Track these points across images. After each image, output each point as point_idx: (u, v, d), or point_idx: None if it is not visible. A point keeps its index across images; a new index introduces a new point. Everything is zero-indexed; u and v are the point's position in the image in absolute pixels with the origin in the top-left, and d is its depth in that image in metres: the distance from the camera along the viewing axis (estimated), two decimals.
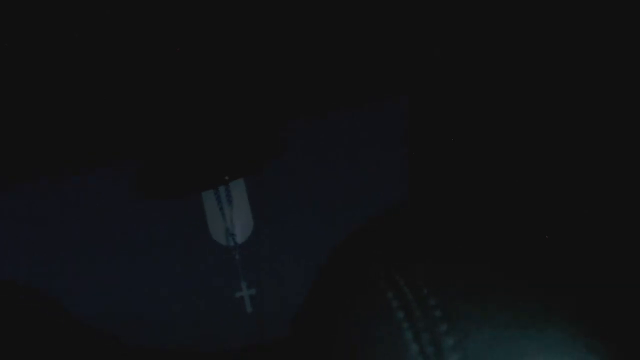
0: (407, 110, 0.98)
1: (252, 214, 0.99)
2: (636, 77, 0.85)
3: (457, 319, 0.49)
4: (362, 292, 0.55)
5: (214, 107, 0.98)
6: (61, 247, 0.97)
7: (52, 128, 0.97)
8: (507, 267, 0.55)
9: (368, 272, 0.56)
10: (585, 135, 0.86)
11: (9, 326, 0.90)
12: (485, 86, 0.93)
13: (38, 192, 0.97)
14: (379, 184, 0.97)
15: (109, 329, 0.97)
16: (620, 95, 0.86)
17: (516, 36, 0.91)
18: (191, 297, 0.99)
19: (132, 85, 0.97)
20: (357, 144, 0.99)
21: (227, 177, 0.98)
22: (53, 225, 0.97)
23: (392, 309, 0.51)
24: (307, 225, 0.99)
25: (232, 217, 0.99)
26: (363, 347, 0.51)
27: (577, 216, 0.78)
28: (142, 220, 0.98)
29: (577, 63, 0.88)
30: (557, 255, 0.57)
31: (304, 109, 1.00)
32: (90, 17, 0.93)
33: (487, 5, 0.92)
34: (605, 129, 0.85)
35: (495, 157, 0.90)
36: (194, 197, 0.99)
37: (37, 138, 0.98)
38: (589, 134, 0.86)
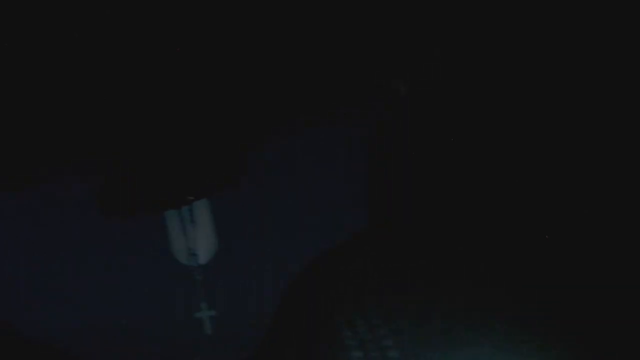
0: (368, 131, 0.98)
1: (216, 235, 0.99)
2: (636, 77, 0.86)
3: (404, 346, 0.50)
4: (320, 329, 0.55)
5: (178, 127, 0.98)
6: (18, 262, 0.96)
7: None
8: (450, 297, 0.56)
9: (325, 309, 0.56)
10: (585, 136, 0.86)
11: None
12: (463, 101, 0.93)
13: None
14: (342, 204, 0.97)
15: (67, 346, 0.96)
16: (620, 96, 0.87)
17: (514, 42, 0.91)
18: (151, 317, 0.98)
19: (99, 101, 0.97)
20: (320, 165, 0.99)
21: (190, 197, 0.98)
22: (13, 239, 0.96)
23: (350, 349, 0.52)
24: (270, 247, 0.98)
25: (195, 237, 0.98)
26: None
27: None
28: (103, 237, 0.97)
29: (577, 63, 0.89)
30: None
31: (269, 130, 1.00)
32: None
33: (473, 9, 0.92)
34: (605, 130, 0.86)
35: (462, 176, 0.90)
36: (157, 216, 0.98)
37: None
38: (588, 136, 0.86)
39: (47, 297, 0.98)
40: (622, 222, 0.77)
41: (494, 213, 0.77)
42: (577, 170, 0.85)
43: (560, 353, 0.52)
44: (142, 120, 0.97)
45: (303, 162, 0.99)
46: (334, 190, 0.98)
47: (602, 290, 0.59)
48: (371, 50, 0.95)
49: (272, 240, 0.99)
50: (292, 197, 0.98)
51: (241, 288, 0.98)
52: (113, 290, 0.98)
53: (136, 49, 0.95)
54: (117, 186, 0.97)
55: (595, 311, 0.57)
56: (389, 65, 0.95)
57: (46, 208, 0.97)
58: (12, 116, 0.97)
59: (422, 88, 0.92)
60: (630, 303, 0.57)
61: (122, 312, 0.98)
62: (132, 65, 0.96)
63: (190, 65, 0.95)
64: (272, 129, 0.98)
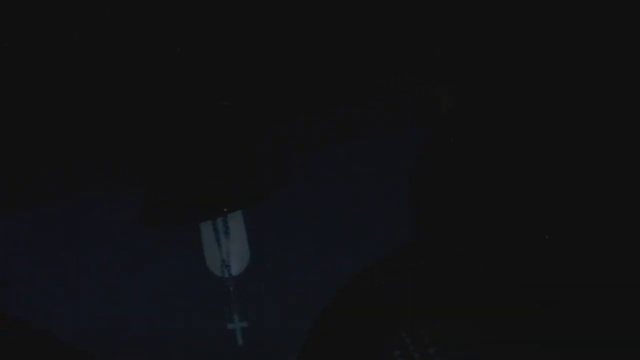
0: (410, 144, 0.98)
1: (249, 247, 1.00)
2: (636, 77, 0.86)
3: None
4: (367, 347, 0.55)
5: (215, 140, 0.99)
6: (59, 273, 0.97)
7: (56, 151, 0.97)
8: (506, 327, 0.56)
9: (375, 328, 0.56)
10: (585, 136, 0.86)
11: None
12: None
13: (37, 217, 0.97)
14: (380, 219, 0.97)
15: (97, 351, 0.97)
16: (620, 96, 0.87)
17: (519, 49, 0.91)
18: (183, 327, 0.99)
19: (136, 114, 0.98)
20: (358, 178, 1.00)
21: (225, 209, 0.99)
22: (54, 249, 0.97)
23: None
24: (304, 259, 0.99)
25: (229, 249, 0.99)
26: None
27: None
28: (139, 248, 0.98)
29: (577, 64, 0.89)
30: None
31: (306, 142, 1.01)
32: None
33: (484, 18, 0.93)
34: (605, 132, 0.86)
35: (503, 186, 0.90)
36: (192, 227, 0.99)
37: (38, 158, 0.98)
38: (588, 136, 0.86)
39: (81, 307, 0.99)
40: (622, 222, 0.77)
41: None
42: (578, 170, 0.85)
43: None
44: (179, 132, 0.98)
45: (341, 174, 0.99)
46: (371, 202, 0.98)
47: (602, 291, 0.59)
48: (416, 58, 0.95)
49: (305, 253, 0.99)
50: (328, 209, 0.99)
51: (273, 300, 0.99)
52: (146, 301, 0.99)
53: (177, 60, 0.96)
54: (154, 197, 0.98)
55: (596, 311, 0.57)
56: (435, 73, 0.95)
57: (84, 219, 0.98)
58: (49, 128, 0.98)
59: (470, 97, 0.92)
60: (631, 303, 0.57)
61: (155, 323, 0.99)
62: (172, 75, 0.97)
63: (230, 76, 0.96)
64: (307, 142, 0.99)
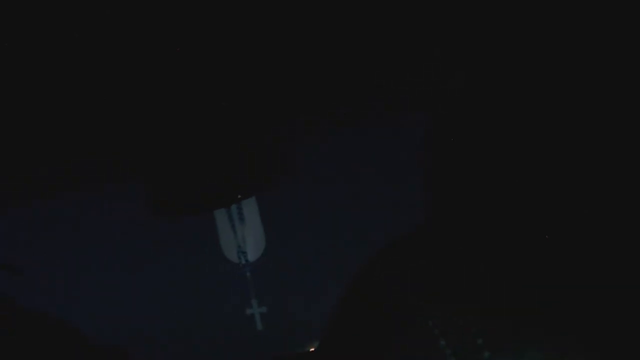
0: (420, 125, 0.99)
1: (264, 232, 1.00)
2: (636, 77, 0.87)
3: (499, 349, 0.51)
4: (400, 324, 0.56)
5: (225, 126, 0.99)
6: (76, 264, 0.97)
7: (68, 143, 0.97)
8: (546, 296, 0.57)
9: (403, 305, 0.57)
10: (585, 136, 0.87)
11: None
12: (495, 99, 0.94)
13: (53, 209, 0.97)
14: (394, 200, 0.98)
15: (119, 344, 0.98)
16: (619, 97, 0.87)
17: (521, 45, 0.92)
18: (202, 314, 0.99)
19: (146, 104, 0.98)
20: (370, 162, 1.00)
21: (239, 196, 0.99)
22: (70, 241, 0.97)
23: (435, 338, 0.53)
24: (320, 243, 1.00)
25: (244, 235, 1.00)
26: None
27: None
28: (155, 237, 0.99)
29: (578, 64, 0.90)
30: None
31: (316, 127, 1.01)
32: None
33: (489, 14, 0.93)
34: (606, 134, 0.86)
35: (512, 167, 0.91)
36: (207, 215, 1.00)
37: (53, 151, 0.98)
38: (590, 138, 0.87)
39: (98, 298, 0.99)
40: (622, 222, 0.78)
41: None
42: (577, 170, 0.86)
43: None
44: (190, 118, 0.98)
45: (354, 158, 1.00)
46: (385, 186, 0.99)
47: (602, 290, 0.60)
48: (425, 44, 0.96)
49: (321, 237, 1.00)
50: (341, 194, 0.99)
51: (291, 284, 1.00)
52: (165, 291, 1.00)
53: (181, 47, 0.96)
54: (168, 186, 0.98)
55: (596, 311, 0.57)
56: (445, 60, 0.96)
57: (98, 209, 0.99)
58: (59, 121, 0.98)
59: (481, 83, 0.92)
60: (630, 303, 0.57)
61: (174, 311, 0.99)
62: (177, 65, 0.97)
63: (237, 64, 0.96)
64: (320, 126, 0.99)
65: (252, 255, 1.00)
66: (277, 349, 1.00)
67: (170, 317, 0.99)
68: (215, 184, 0.99)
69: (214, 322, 0.99)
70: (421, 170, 0.97)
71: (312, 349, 0.96)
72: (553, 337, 0.53)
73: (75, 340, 0.95)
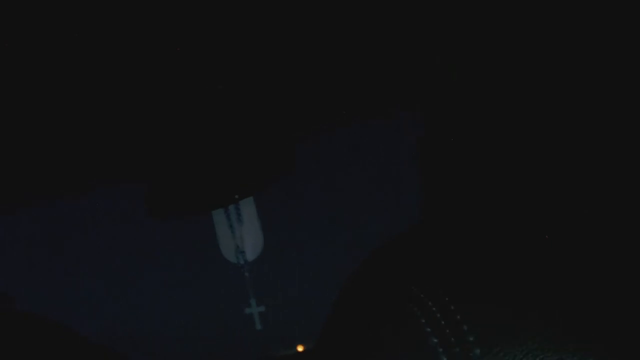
0: (417, 124, 0.99)
1: (263, 232, 1.00)
2: (636, 77, 0.87)
3: (490, 344, 0.51)
4: (393, 317, 0.56)
5: (222, 126, 0.99)
6: (73, 266, 0.98)
7: (64, 146, 0.97)
8: (540, 287, 0.57)
9: (397, 296, 0.57)
10: (586, 139, 0.87)
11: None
12: (490, 95, 0.94)
13: (49, 212, 0.97)
14: (391, 200, 0.98)
15: (117, 344, 0.98)
16: (619, 99, 0.87)
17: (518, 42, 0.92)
18: (201, 314, 0.99)
19: (140, 103, 0.98)
20: (368, 161, 1.01)
21: (236, 196, 0.99)
22: (66, 244, 0.97)
23: (426, 335, 0.53)
24: (318, 242, 1.00)
25: (242, 235, 1.00)
26: None
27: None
28: (153, 238, 0.99)
29: (577, 65, 0.90)
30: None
31: (313, 126, 1.01)
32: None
33: (488, 15, 0.93)
34: (605, 131, 0.87)
35: (506, 163, 0.91)
36: (205, 215, 1.00)
37: (46, 156, 0.98)
38: (589, 138, 0.87)
39: (95, 298, 1.00)
40: (622, 222, 0.78)
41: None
42: (577, 170, 0.86)
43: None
44: (185, 118, 0.98)
45: (352, 158, 1.00)
46: (383, 185, 0.99)
47: (602, 290, 0.60)
48: (420, 44, 0.96)
49: (319, 236, 1.00)
50: (339, 193, 1.00)
51: (290, 283, 1.00)
52: (162, 290, 1.00)
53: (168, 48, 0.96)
54: (164, 187, 0.99)
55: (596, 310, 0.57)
56: (439, 56, 0.96)
57: (94, 210, 0.99)
58: (57, 124, 0.99)
59: (475, 79, 0.92)
60: (630, 303, 0.57)
61: (172, 312, 0.99)
62: (174, 65, 0.97)
63: (235, 59, 0.96)
64: (318, 125, 0.99)
65: (251, 254, 1.00)
66: (276, 348, 1.00)
67: (169, 318, 0.99)
68: (212, 184, 0.99)
69: (212, 322, 1.00)
70: (418, 171, 0.97)
71: (310, 348, 0.96)
72: (547, 333, 0.53)
73: (72, 341, 0.95)
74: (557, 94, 0.91)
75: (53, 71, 0.94)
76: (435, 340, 0.53)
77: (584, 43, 0.90)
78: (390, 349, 0.55)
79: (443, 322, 0.53)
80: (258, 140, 1.01)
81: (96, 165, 0.99)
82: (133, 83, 0.97)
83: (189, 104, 0.98)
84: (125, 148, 1.00)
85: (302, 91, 0.99)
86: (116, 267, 0.98)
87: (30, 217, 0.99)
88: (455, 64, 0.95)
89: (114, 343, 0.97)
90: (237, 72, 0.98)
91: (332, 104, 1.01)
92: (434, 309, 0.54)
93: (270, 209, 1.01)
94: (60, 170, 0.98)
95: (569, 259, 0.59)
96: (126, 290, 0.99)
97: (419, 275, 0.59)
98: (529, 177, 0.89)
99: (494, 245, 0.61)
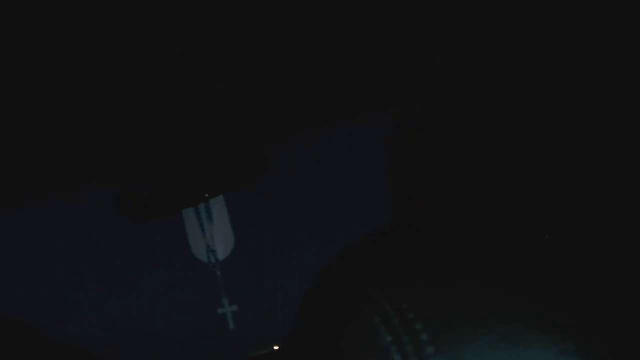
0: (390, 126, 0.99)
1: (233, 231, 1.00)
2: (636, 77, 0.86)
3: (443, 343, 0.50)
4: (348, 317, 0.55)
5: (193, 125, 0.98)
6: (44, 269, 0.97)
7: (35, 150, 0.96)
8: (492, 285, 0.56)
9: (353, 297, 0.56)
10: (585, 139, 0.86)
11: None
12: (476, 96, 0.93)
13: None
14: (363, 199, 0.98)
15: (89, 347, 0.97)
16: (619, 100, 0.87)
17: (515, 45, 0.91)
18: (173, 315, 0.99)
19: (109, 103, 0.97)
20: (340, 160, 1.00)
21: (207, 195, 0.98)
22: (37, 247, 0.97)
23: (380, 334, 0.52)
24: (289, 241, 0.99)
25: (213, 234, 0.99)
26: None
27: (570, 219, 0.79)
28: (122, 238, 0.98)
29: (577, 66, 0.89)
30: (543, 270, 0.58)
31: (286, 127, 1.00)
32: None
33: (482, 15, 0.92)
34: (605, 131, 0.86)
35: (483, 166, 0.91)
36: (175, 215, 0.99)
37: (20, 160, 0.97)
38: (589, 139, 0.86)
39: (68, 303, 0.99)
40: (622, 222, 0.77)
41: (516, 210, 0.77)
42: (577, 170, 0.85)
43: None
44: (155, 119, 0.98)
45: (326, 156, 0.99)
46: (354, 185, 0.99)
47: (602, 290, 0.59)
48: (400, 41, 0.95)
49: (290, 235, 0.99)
50: (312, 192, 0.99)
51: (262, 282, 0.99)
52: (133, 292, 0.99)
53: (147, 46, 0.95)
54: (134, 188, 0.98)
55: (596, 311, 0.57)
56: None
57: (66, 215, 0.98)
58: (26, 124, 0.98)
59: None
60: (630, 303, 0.57)
61: (144, 314, 0.99)
62: (144, 63, 0.96)
63: (206, 62, 0.95)
64: (290, 125, 0.98)
65: (222, 254, 0.99)
66: (250, 347, 0.99)
67: (141, 319, 0.98)
68: (182, 183, 0.99)
69: (185, 323, 0.99)
70: (393, 170, 0.97)
71: (277, 348, 0.95)
72: (498, 332, 0.52)
73: (47, 344, 0.94)
74: (555, 94, 0.90)
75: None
76: (389, 339, 0.52)
77: (582, 44, 0.89)
78: (344, 348, 0.55)
79: (397, 321, 0.53)
80: (231, 139, 1.00)
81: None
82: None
83: (162, 103, 0.97)
84: (98, 148, 0.99)
85: (278, 91, 0.98)
86: (84, 270, 0.97)
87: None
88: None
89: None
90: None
91: (310, 103, 1.00)
92: (387, 307, 0.54)
93: (241, 207, 1.00)
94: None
95: (522, 256, 0.59)
96: (96, 292, 0.98)
97: (375, 276, 0.58)
98: (520, 176, 0.89)
99: (448, 246, 0.61)
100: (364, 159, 0.99)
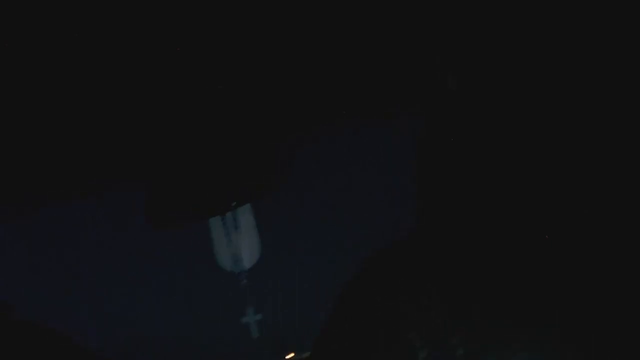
0: (415, 130, 0.98)
1: (260, 240, 1.00)
2: (636, 78, 0.86)
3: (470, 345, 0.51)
4: (382, 332, 0.56)
5: (220, 134, 0.99)
6: (69, 275, 0.98)
7: (61, 154, 0.97)
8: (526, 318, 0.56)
9: (385, 310, 0.57)
10: (585, 137, 0.86)
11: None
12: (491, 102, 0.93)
13: (50, 215, 0.97)
14: (390, 207, 0.98)
15: (115, 355, 0.98)
16: (618, 101, 0.87)
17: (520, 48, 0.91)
18: (198, 323, 0.99)
19: (138, 111, 0.98)
20: (364, 168, 1.00)
21: (234, 204, 0.99)
22: (61, 253, 0.97)
23: (414, 349, 0.52)
24: (315, 249, 0.99)
25: (239, 243, 0.99)
26: None
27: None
28: (149, 247, 0.99)
29: (577, 68, 0.89)
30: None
31: (311, 136, 1.01)
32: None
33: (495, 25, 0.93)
34: (605, 131, 0.86)
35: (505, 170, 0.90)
36: (202, 224, 1.00)
37: (42, 164, 0.98)
38: (589, 137, 0.86)
39: (93, 307, 1.00)
40: (622, 222, 0.77)
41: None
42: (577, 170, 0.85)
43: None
44: (183, 128, 0.98)
45: (349, 164, 0.99)
46: (381, 193, 0.99)
47: (602, 290, 0.59)
48: (418, 45, 0.95)
49: (316, 243, 1.00)
50: (336, 200, 0.99)
51: (287, 291, 0.99)
52: (159, 299, 1.00)
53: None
54: (163, 196, 0.99)
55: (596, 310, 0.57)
56: (438, 61, 0.95)
57: (94, 218, 0.99)
58: (54, 131, 0.98)
59: (474, 85, 0.92)
60: (630, 303, 0.57)
61: (170, 321, 0.99)
62: (173, 72, 0.97)
63: (233, 69, 0.96)
64: (314, 134, 0.99)
65: (248, 263, 1.00)
66: (273, 356, 0.99)
67: (166, 327, 0.99)
68: (210, 192, 0.99)
69: (209, 331, 0.99)
70: (416, 175, 0.97)
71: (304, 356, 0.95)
72: (538, 343, 0.52)
73: (72, 349, 0.95)
74: (557, 95, 0.90)
75: (53, 72, 0.94)
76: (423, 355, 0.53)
77: (581, 45, 0.89)
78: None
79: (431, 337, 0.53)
80: (256, 149, 1.00)
81: (97, 173, 0.99)
82: (135, 88, 0.96)
83: (189, 113, 0.98)
84: (127, 155, 0.99)
85: (301, 102, 0.99)
86: (113, 276, 0.98)
87: (31, 220, 0.99)
88: (454, 67, 0.94)
89: (110, 351, 0.97)
90: (240, 76, 0.97)
91: (332, 104, 1.00)
92: (421, 322, 0.54)
93: (268, 216, 1.01)
94: (62, 175, 0.98)
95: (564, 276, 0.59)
96: (123, 298, 0.99)
97: (410, 285, 0.59)
98: (528, 179, 0.88)
99: (491, 259, 0.61)
100: (388, 166, 0.99)
